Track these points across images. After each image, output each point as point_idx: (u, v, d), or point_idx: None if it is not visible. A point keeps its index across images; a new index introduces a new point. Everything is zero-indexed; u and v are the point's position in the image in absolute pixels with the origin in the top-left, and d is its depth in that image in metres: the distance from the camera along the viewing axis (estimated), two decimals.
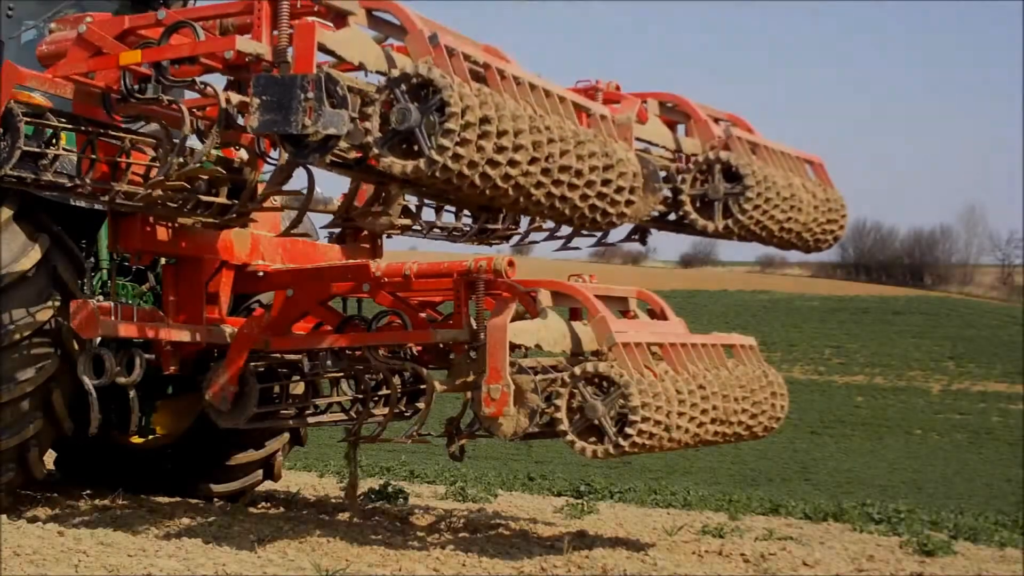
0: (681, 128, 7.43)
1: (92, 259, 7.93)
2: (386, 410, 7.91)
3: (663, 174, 7.00)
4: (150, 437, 8.73)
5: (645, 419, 6.45)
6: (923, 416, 51.18)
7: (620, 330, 6.82)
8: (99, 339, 7.35)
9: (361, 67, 5.93)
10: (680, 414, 6.67)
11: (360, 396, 8.02)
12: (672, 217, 7.18)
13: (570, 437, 6.62)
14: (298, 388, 7.94)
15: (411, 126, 5.49)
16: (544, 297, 7.09)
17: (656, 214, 7.11)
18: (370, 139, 5.60)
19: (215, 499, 8.82)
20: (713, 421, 6.93)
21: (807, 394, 52.54)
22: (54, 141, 6.68)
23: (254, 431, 8.15)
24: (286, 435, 8.85)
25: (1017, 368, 58.13)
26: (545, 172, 5.84)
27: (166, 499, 8.70)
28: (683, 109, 7.28)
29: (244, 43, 5.91)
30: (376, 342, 7.45)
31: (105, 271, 7.90)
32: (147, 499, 8.63)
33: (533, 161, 5.76)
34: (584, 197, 6.07)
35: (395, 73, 5.60)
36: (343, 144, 5.75)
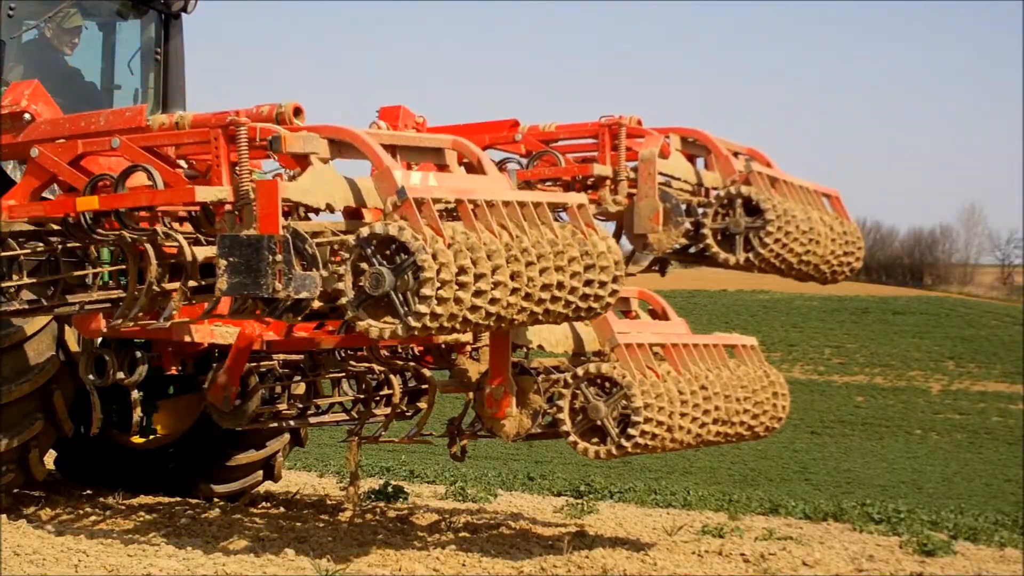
0: (700, 161, 7.53)
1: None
2: (387, 410, 7.92)
3: (684, 207, 7.10)
4: (151, 437, 8.72)
5: (648, 420, 6.45)
6: (923, 416, 51.19)
7: (622, 331, 6.82)
8: (100, 339, 7.35)
9: (329, 209, 5.80)
10: (682, 415, 6.67)
11: (361, 396, 8.02)
12: (693, 250, 7.27)
13: (572, 438, 6.62)
14: (299, 388, 7.93)
15: (385, 291, 5.34)
16: None
17: (678, 247, 7.20)
18: (344, 300, 5.46)
19: (215, 499, 8.82)
20: (715, 421, 6.93)
21: (807, 394, 52.55)
22: (15, 269, 6.55)
23: (255, 431, 8.15)
24: (287, 435, 8.84)
25: (1017, 368, 58.13)
26: (527, 297, 5.70)
27: (166, 499, 8.70)
28: (704, 143, 7.38)
29: (204, 192, 5.76)
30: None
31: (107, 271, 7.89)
32: (147, 499, 8.63)
33: (514, 292, 5.61)
34: (567, 304, 5.94)
35: (364, 232, 5.40)
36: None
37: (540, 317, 5.86)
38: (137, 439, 8.67)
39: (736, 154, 7.41)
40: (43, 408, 7.49)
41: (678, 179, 7.29)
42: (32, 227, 6.52)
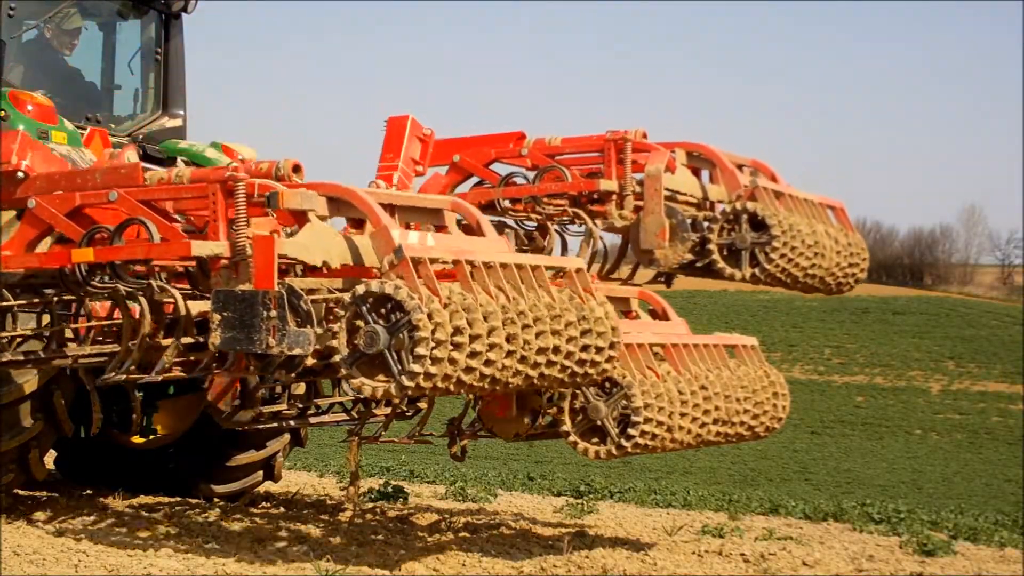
0: (705, 173, 7.57)
1: None
2: (387, 410, 7.91)
3: (690, 222, 7.12)
4: (151, 437, 8.72)
5: (648, 420, 6.46)
6: (923, 416, 51.20)
7: (623, 331, 6.82)
8: None
9: (325, 266, 5.82)
10: (682, 415, 6.68)
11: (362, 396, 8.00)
12: (699, 264, 7.32)
13: (573, 438, 6.63)
14: (299, 388, 7.93)
15: (380, 349, 5.34)
16: None
17: (684, 262, 7.24)
18: (338, 358, 5.46)
19: (215, 499, 8.82)
20: (715, 421, 6.94)
21: (807, 394, 52.56)
22: (11, 320, 6.57)
23: (255, 431, 8.15)
24: (287, 435, 8.85)
25: (1017, 368, 58.13)
26: (522, 360, 5.68)
27: (166, 499, 8.70)
28: (709, 157, 7.43)
29: (200, 247, 5.77)
30: None
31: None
32: (147, 499, 8.63)
33: (509, 355, 5.60)
34: (563, 368, 5.94)
35: (360, 290, 5.41)
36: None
37: (535, 381, 5.84)
38: (137, 439, 8.67)
39: (741, 167, 7.45)
40: (43, 408, 7.49)
41: (684, 194, 7.32)
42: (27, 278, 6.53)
